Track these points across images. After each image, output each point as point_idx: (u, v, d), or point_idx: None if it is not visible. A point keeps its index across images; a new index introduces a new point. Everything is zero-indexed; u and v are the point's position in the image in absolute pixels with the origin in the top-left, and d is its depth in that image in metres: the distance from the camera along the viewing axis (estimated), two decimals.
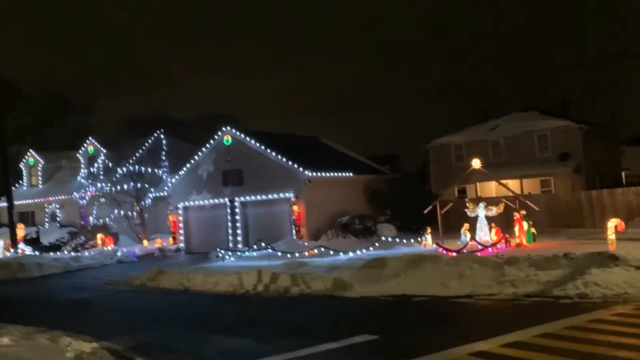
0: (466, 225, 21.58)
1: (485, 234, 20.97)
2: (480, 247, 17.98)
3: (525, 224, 19.97)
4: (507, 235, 19.63)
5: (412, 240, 20.86)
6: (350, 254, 18.97)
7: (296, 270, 15.84)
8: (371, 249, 19.76)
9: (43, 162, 40.89)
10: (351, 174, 29.17)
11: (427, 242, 20.81)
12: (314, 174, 26.59)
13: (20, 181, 42.04)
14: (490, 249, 17.73)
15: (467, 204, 22.25)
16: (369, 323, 10.48)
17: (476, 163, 22.13)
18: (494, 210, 21.31)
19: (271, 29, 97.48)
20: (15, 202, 38.52)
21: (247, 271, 15.80)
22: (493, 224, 21.35)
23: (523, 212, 20.53)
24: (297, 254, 19.27)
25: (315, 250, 18.74)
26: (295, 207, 26.33)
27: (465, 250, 17.28)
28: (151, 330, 11.31)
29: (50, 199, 38.20)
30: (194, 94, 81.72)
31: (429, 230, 21.19)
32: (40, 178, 40.83)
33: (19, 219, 38.45)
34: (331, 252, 18.84)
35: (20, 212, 39.30)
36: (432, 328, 9.78)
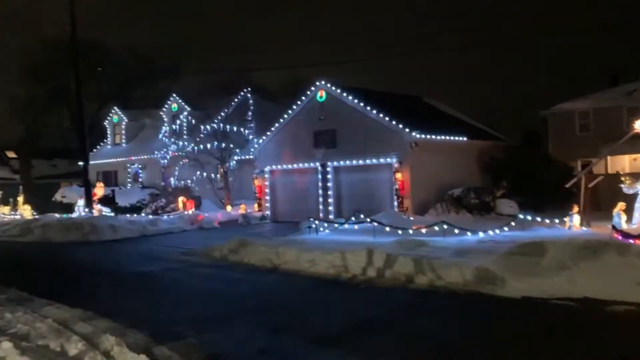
0: (621, 205, 16.99)
1: None
2: None
3: None
4: None
5: (557, 221, 16.51)
6: (481, 234, 14.95)
7: (415, 252, 12.12)
8: (505, 229, 15.64)
9: (127, 120, 39.22)
10: (465, 139, 24.80)
11: (574, 223, 16.42)
12: (422, 136, 22.50)
13: (105, 139, 40.68)
14: None
15: (623, 178, 17.52)
16: (565, 352, 6.61)
17: None
18: None
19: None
20: (99, 161, 37.33)
21: (352, 249, 12.25)
22: None
23: None
24: (410, 231, 15.51)
25: (437, 228, 14.85)
26: (398, 175, 22.42)
27: None
28: (226, 329, 8.01)
29: (133, 158, 36.40)
30: (281, 62, 78.60)
31: (575, 209, 16.75)
32: (124, 137, 39.22)
33: (103, 178, 37.15)
34: (456, 231, 14.89)
35: (103, 171, 38.02)
36: None
